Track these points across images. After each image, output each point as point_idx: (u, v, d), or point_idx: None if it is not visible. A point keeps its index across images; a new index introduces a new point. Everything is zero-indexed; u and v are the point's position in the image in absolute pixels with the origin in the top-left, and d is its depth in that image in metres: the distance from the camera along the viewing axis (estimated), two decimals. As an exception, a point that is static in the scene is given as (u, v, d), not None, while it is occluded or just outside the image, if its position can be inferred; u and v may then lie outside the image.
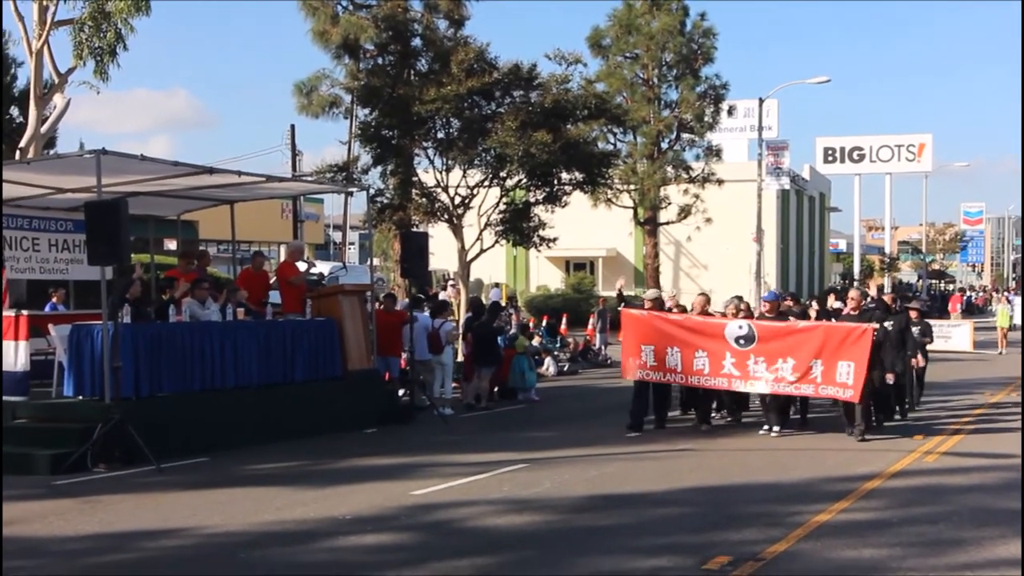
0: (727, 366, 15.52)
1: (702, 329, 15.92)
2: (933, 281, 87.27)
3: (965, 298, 64.67)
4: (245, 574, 8.26)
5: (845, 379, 14.74)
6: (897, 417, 17.18)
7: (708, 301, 17.27)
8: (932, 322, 33.88)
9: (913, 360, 17.40)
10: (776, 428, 15.60)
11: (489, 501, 10.86)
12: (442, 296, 25.87)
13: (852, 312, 15.92)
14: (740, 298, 17.83)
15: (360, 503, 10.73)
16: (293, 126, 46.16)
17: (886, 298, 19.53)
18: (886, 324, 16.09)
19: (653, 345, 16.10)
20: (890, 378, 15.87)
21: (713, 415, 17.02)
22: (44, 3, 21.90)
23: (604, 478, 12.19)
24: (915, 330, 18.65)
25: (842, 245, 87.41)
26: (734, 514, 10.15)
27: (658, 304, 17.21)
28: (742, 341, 15.41)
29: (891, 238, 78.12)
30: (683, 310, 17.57)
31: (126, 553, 8.97)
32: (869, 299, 17.99)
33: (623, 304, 17.51)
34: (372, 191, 24.56)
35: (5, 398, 13.88)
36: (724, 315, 16.85)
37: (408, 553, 8.90)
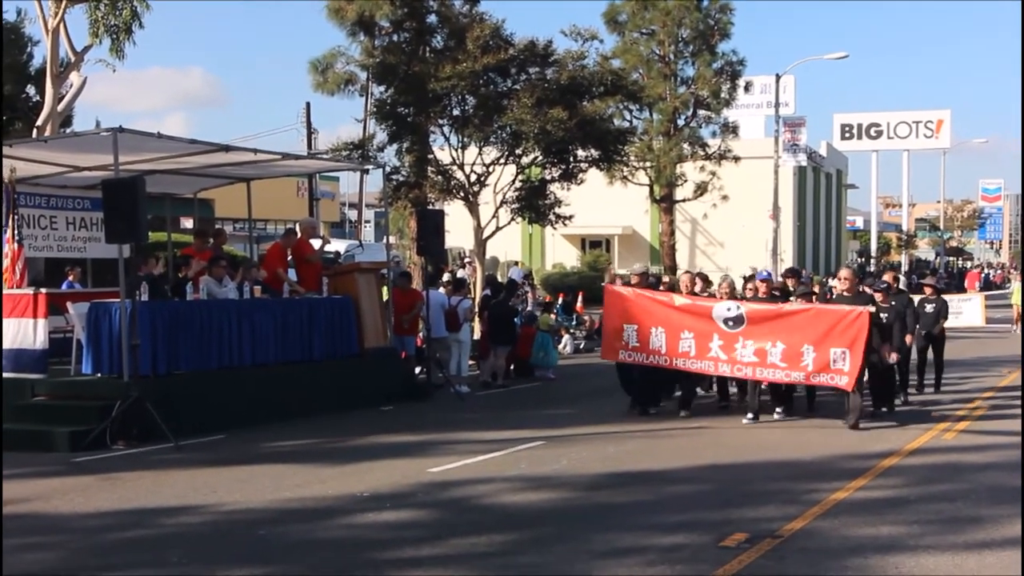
0: (714, 349, 14.64)
1: (689, 309, 14.99)
2: (951, 258, 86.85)
3: (983, 275, 63.50)
4: (264, 550, 8.30)
5: (840, 366, 13.87)
6: (898, 402, 16.11)
7: (695, 279, 16.58)
8: (947, 296, 33.72)
9: (890, 354, 15.13)
10: (750, 416, 14.74)
11: (506, 478, 10.89)
12: (460, 274, 25.87)
13: (845, 293, 14.99)
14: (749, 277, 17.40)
15: (378, 480, 10.77)
16: (308, 104, 46.33)
17: (886, 277, 18.75)
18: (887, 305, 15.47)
19: (636, 325, 15.23)
20: (893, 357, 15.12)
21: (705, 393, 16.74)
22: (60, -19, 21.91)
23: (621, 455, 12.20)
24: (929, 308, 18.18)
25: (859, 222, 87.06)
26: (751, 491, 10.15)
27: (645, 280, 16.37)
28: (731, 323, 14.48)
29: (908, 215, 77.87)
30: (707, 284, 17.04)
31: (146, 529, 9.02)
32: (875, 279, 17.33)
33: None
34: (388, 169, 24.51)
35: (25, 375, 13.96)
36: (712, 295, 16.07)
37: (425, 530, 8.93)
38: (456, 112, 25.80)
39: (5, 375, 14.06)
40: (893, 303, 15.82)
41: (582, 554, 8.08)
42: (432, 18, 25.77)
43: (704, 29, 39.98)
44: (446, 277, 23.64)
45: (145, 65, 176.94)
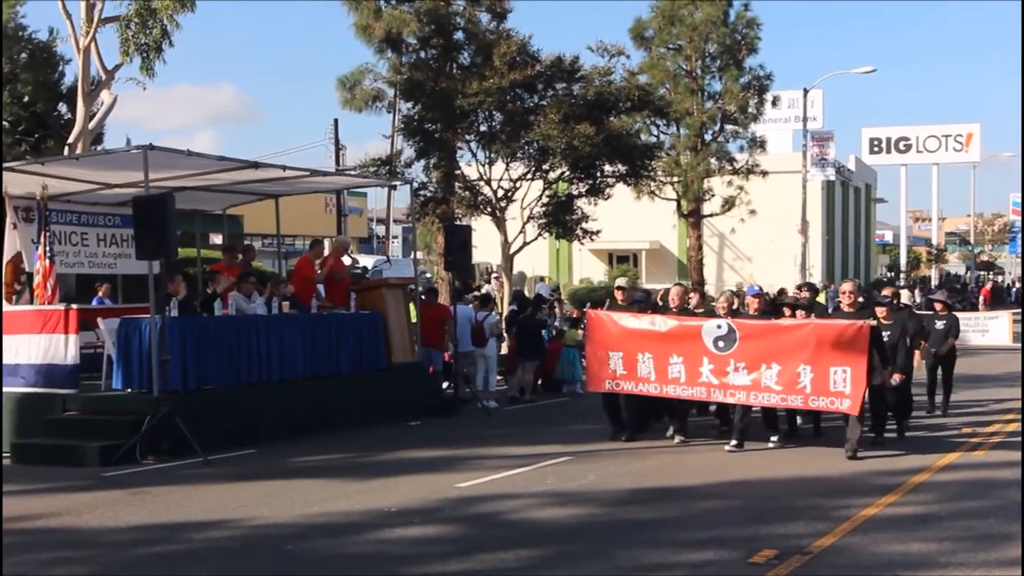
0: (705, 373, 13.45)
1: (676, 331, 13.73)
2: (981, 272, 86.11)
3: (995, 287, 61.06)
4: (292, 565, 8.33)
5: (841, 387, 12.60)
6: (894, 427, 14.76)
7: (687, 292, 15.24)
8: (968, 315, 33.00)
9: (895, 375, 13.92)
10: (733, 443, 13.58)
11: (533, 494, 10.88)
12: (486, 289, 25.90)
13: (847, 308, 13.73)
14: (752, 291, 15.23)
15: (405, 495, 10.78)
16: (336, 120, 46.43)
17: (886, 292, 17.46)
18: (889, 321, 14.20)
19: (621, 351, 14.03)
20: (896, 379, 13.81)
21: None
22: (91, 1, 22.14)
23: (648, 471, 12.17)
24: (939, 324, 17.27)
25: (888, 236, 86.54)
26: (779, 507, 10.09)
27: (630, 296, 15.08)
28: (721, 343, 13.30)
29: (938, 229, 77.34)
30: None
31: (175, 544, 9.07)
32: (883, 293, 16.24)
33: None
34: (415, 185, 24.60)
35: (56, 390, 14.08)
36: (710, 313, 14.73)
37: (453, 545, 8.94)
38: (483, 128, 25.89)
39: (36, 390, 14.19)
40: (895, 320, 14.67)
41: (609, 570, 8.06)
42: (459, 35, 25.88)
43: (731, 44, 39.92)
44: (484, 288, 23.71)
45: (175, 83, 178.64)
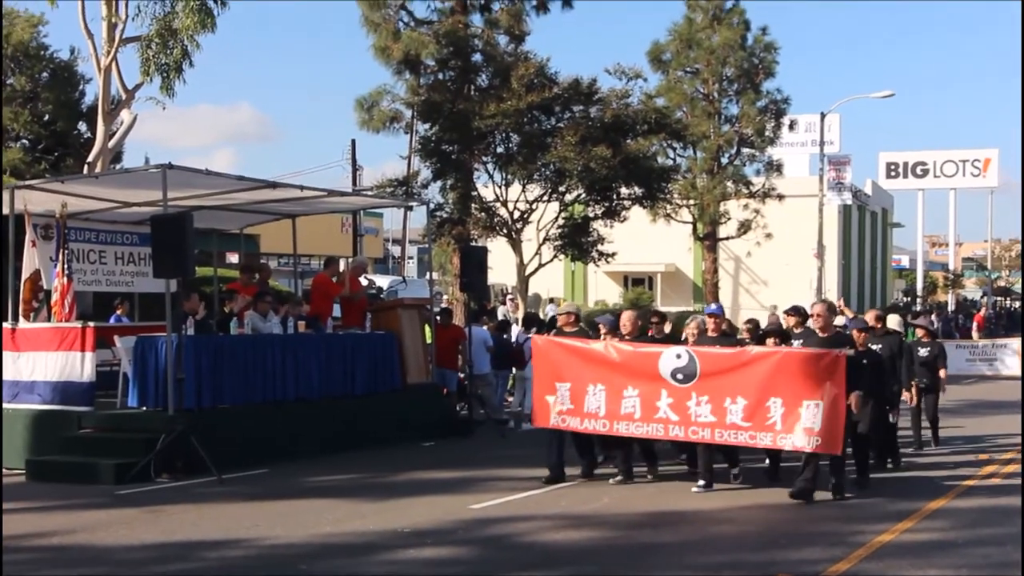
0: (663, 408, 12.01)
1: (631, 361, 12.31)
2: (999, 298, 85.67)
3: (987, 315, 55.83)
4: (305, 585, 8.32)
5: (811, 423, 11.24)
6: (889, 466, 13.99)
7: (640, 318, 13.67)
8: (981, 342, 31.98)
9: (903, 398, 13.56)
10: (701, 483, 12.21)
11: (547, 516, 10.85)
12: (500, 311, 25.90)
13: (819, 333, 12.19)
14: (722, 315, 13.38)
15: (419, 516, 10.76)
16: (354, 141, 46.58)
17: (868, 317, 15.51)
18: (870, 348, 13.31)
19: (569, 383, 12.60)
20: (891, 415, 13.28)
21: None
22: (113, 21, 22.32)
23: (663, 494, 12.12)
24: (923, 352, 16.03)
25: (905, 261, 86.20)
26: (795, 532, 10.04)
27: (575, 322, 13.44)
28: (680, 376, 11.89)
29: (955, 254, 76.95)
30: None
31: (188, 563, 9.07)
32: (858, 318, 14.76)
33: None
34: (431, 205, 24.68)
35: (72, 408, 14.13)
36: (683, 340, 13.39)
37: (466, 567, 8.92)
38: (500, 149, 25.96)
39: (52, 407, 14.25)
40: (877, 346, 13.70)
41: (624, 593, 8.02)
42: (477, 57, 25.98)
43: (748, 68, 39.99)
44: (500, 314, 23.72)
45: (194, 102, 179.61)
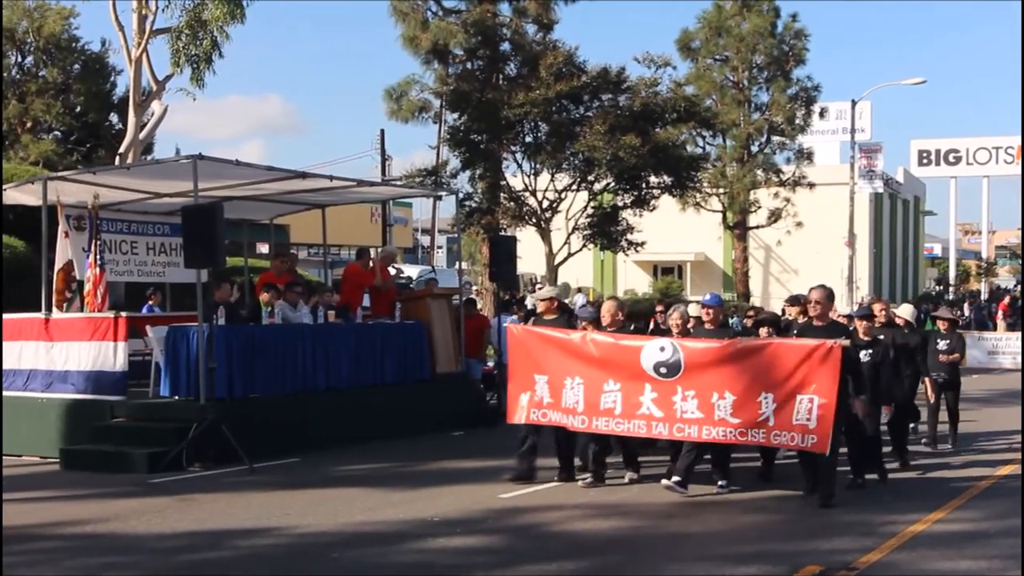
0: (646, 404, 11.15)
1: (612, 352, 11.46)
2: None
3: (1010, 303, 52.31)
4: (336, 574, 8.36)
5: (805, 419, 10.52)
6: (896, 466, 12.87)
7: (622, 308, 12.52)
8: (1005, 335, 30.52)
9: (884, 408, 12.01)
10: (675, 479, 11.19)
11: (576, 505, 10.86)
12: (529, 300, 25.91)
13: (816, 323, 11.28)
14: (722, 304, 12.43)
15: (448, 505, 10.80)
16: (383, 131, 46.68)
17: (876, 307, 13.95)
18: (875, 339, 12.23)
19: (547, 375, 11.76)
20: (884, 412, 11.97)
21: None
22: (143, 13, 22.45)
23: (691, 483, 12.06)
24: (942, 344, 14.92)
25: (937, 250, 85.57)
26: (825, 522, 10.00)
27: (556, 309, 12.47)
28: (664, 370, 11.07)
29: (988, 242, 76.35)
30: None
31: (221, 551, 9.14)
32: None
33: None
34: (460, 195, 24.73)
35: (105, 397, 14.24)
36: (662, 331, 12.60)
37: (496, 556, 8.94)
38: (529, 139, 25.98)
39: (85, 396, 14.36)
40: (881, 337, 12.57)
41: (653, 583, 8.02)
42: (505, 46, 26.00)
43: (779, 55, 39.83)
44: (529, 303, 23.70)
45: (224, 94, 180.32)
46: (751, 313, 15.26)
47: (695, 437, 11.02)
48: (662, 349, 11.15)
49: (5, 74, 33.64)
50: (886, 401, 11.98)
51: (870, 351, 11.89)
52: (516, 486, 11.74)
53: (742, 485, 11.81)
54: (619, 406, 11.27)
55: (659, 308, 14.39)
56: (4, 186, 17.08)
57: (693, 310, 12.99)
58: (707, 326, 11.81)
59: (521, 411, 11.91)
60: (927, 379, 14.55)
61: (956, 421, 15.21)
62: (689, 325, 12.12)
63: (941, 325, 15.75)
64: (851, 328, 12.16)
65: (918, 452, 14.07)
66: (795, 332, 11.73)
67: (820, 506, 10.55)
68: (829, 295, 11.34)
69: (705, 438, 11.00)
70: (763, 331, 12.16)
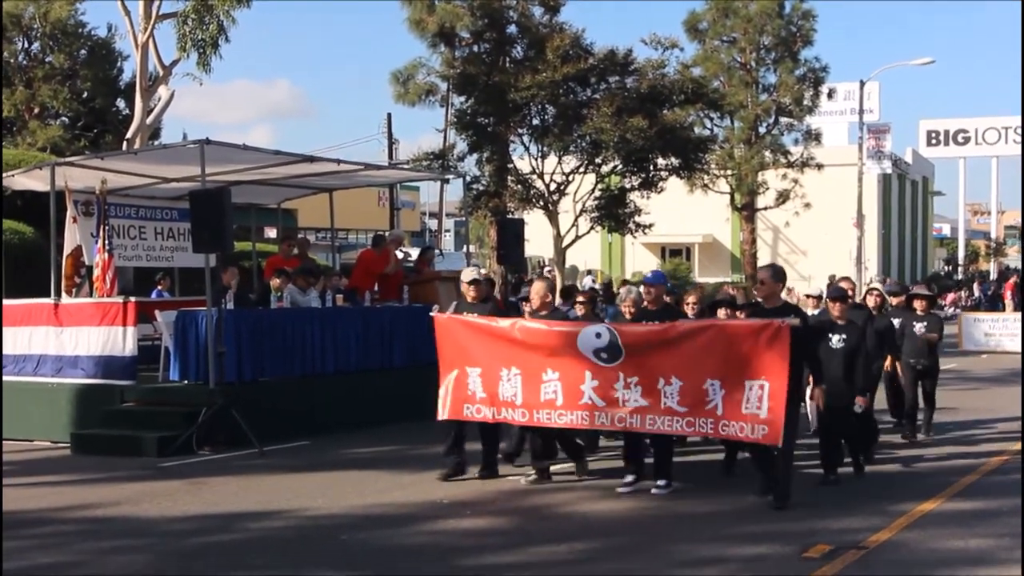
0: (587, 393, 10.23)
1: (547, 339, 10.45)
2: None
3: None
4: (347, 556, 8.39)
5: (755, 408, 9.48)
6: (853, 461, 11.42)
7: (553, 289, 11.63)
8: (1002, 316, 29.78)
9: (859, 399, 10.88)
10: (629, 478, 10.66)
11: (585, 486, 10.87)
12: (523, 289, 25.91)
13: (764, 305, 10.24)
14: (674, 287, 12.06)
15: (457, 487, 10.82)
16: (390, 115, 46.85)
17: (843, 284, 13.17)
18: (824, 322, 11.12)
19: (479, 367, 10.81)
20: (859, 403, 10.85)
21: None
22: (149, -3, 22.42)
23: (701, 464, 12.09)
24: (919, 326, 13.74)
25: (946, 230, 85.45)
26: (835, 502, 9.99)
27: (480, 292, 11.40)
28: (604, 355, 10.13)
29: (997, 223, 76.10)
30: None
31: (231, 534, 9.17)
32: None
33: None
34: (468, 178, 24.68)
35: (114, 382, 14.29)
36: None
37: (506, 537, 8.96)
38: (536, 122, 25.92)
39: (96, 381, 14.41)
40: (851, 320, 11.26)
41: (663, 563, 8.03)
42: (512, 28, 25.92)
43: (786, 36, 39.67)
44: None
45: (231, 78, 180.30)
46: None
47: (639, 427, 10.19)
48: (598, 336, 10.19)
49: (12, 60, 33.66)
50: (860, 391, 10.93)
51: (843, 336, 10.92)
52: (525, 467, 11.69)
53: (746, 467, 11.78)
54: (560, 396, 10.37)
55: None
56: (12, 172, 17.14)
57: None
58: (647, 306, 10.87)
59: (457, 406, 10.99)
60: (898, 364, 13.60)
61: (932, 409, 14.17)
62: (626, 309, 11.16)
63: (918, 304, 14.18)
64: (819, 311, 11.43)
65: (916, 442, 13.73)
66: (743, 315, 11.09)
67: (775, 508, 9.64)
68: (776, 273, 10.24)
69: (649, 428, 10.16)
70: (721, 312, 11.53)
